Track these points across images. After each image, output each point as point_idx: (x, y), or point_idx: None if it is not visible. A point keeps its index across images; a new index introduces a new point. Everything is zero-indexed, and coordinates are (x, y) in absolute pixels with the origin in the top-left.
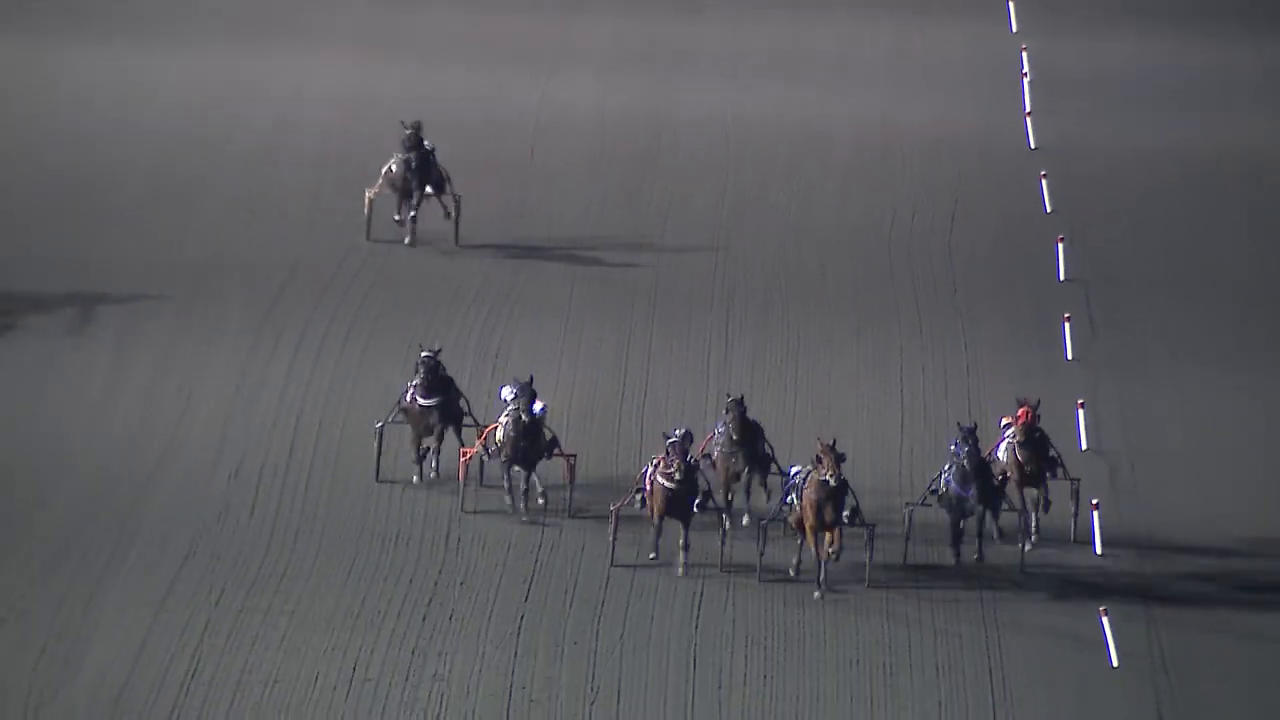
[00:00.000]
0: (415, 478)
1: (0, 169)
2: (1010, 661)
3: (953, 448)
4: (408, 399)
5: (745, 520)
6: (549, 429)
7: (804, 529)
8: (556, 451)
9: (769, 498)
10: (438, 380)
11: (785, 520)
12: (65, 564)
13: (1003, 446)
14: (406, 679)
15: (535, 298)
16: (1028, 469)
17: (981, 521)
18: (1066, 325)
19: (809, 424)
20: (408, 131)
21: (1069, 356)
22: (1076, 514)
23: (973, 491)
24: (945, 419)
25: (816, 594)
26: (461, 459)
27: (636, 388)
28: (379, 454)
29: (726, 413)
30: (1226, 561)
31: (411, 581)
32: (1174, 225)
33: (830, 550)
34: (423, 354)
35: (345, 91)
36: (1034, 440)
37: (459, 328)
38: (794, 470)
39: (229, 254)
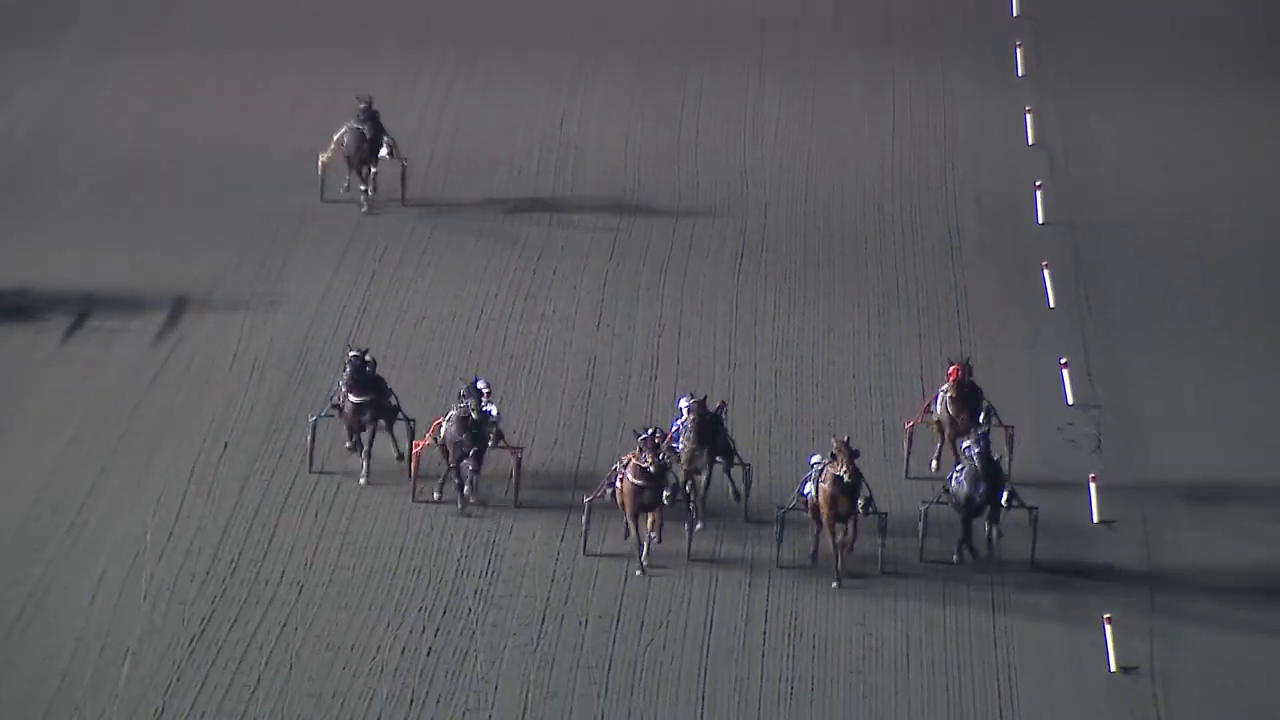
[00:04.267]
0: (363, 478)
1: None
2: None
3: (966, 449)
4: (339, 397)
5: (700, 524)
6: (496, 426)
7: (820, 519)
8: (502, 444)
9: (728, 487)
10: (365, 378)
11: (800, 509)
12: (264, 236)
13: (938, 400)
14: (521, 316)
15: (603, 69)
16: (960, 420)
17: (992, 522)
18: (1018, 51)
19: (824, 131)
20: (361, 105)
21: (1020, 74)
22: (1012, 459)
23: (982, 490)
24: (926, 122)
25: (834, 584)
26: (414, 450)
27: (690, 119)
28: (312, 446)
29: (688, 411)
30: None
31: (525, 244)
32: None
33: (844, 544)
34: (350, 353)
35: None
36: (965, 395)
37: (541, 67)
38: (813, 460)
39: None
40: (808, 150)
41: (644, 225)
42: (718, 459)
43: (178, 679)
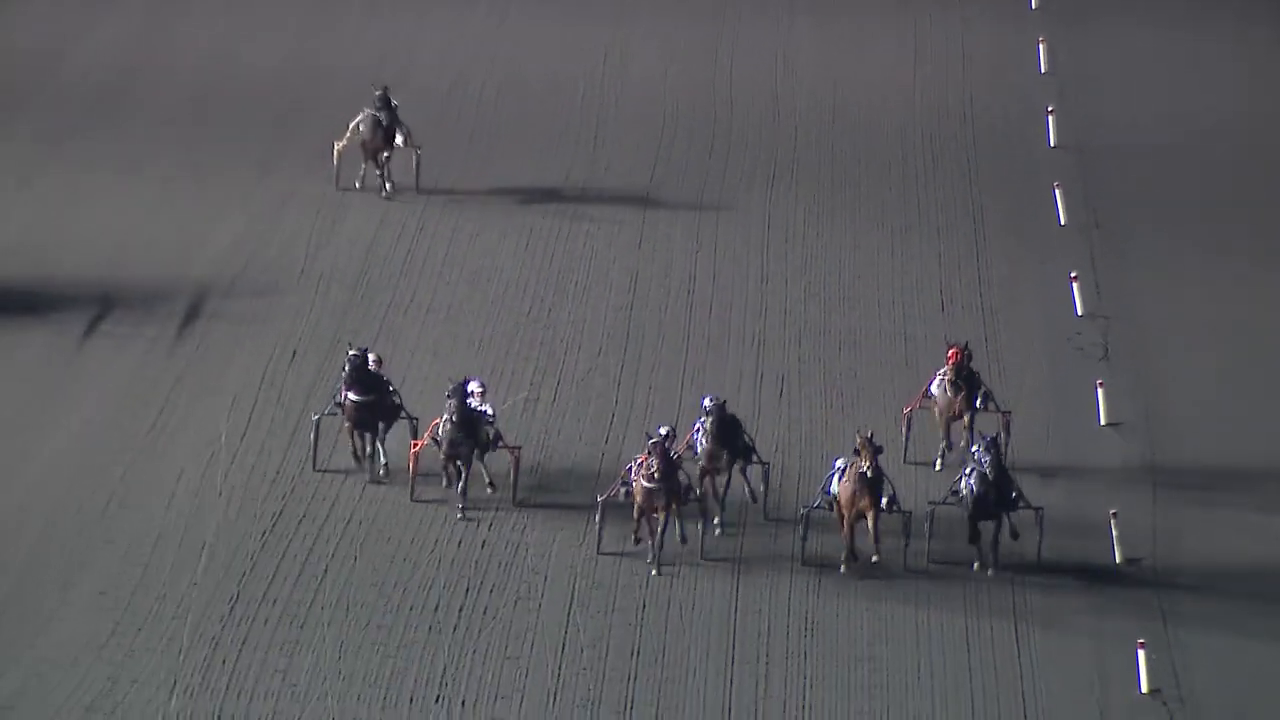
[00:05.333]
0: (354, 461)
1: None
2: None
3: (975, 453)
4: (341, 395)
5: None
6: (493, 426)
7: (843, 516)
8: (501, 444)
9: (748, 489)
10: (366, 377)
11: (826, 508)
12: (328, 160)
13: (936, 383)
14: (568, 235)
15: (644, 2)
16: (957, 403)
17: (998, 527)
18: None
19: (850, 61)
20: (377, 94)
21: (1033, 6)
22: (1009, 442)
23: (992, 495)
24: (945, 52)
25: (873, 558)
26: (411, 450)
27: (726, 49)
28: (315, 444)
29: (706, 415)
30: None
31: (571, 168)
32: None
33: (872, 542)
34: (350, 353)
35: None
36: (963, 378)
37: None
38: (837, 461)
39: None
40: (835, 79)
41: (682, 149)
42: (738, 461)
43: (251, 569)
